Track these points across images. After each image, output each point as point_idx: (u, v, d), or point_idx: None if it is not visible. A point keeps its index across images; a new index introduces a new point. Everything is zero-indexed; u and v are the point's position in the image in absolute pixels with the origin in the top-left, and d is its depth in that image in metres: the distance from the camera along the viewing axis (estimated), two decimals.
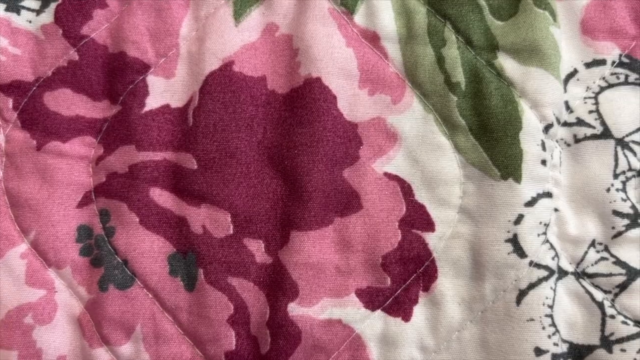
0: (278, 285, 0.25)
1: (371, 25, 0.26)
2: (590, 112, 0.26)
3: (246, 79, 0.26)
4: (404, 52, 0.26)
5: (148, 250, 0.26)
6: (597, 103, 0.26)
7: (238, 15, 0.27)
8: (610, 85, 0.26)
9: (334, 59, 0.26)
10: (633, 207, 0.25)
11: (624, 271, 0.25)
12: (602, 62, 0.26)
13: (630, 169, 0.25)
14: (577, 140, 0.26)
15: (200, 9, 0.27)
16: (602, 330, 0.25)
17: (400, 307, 0.25)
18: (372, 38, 0.26)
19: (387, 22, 0.26)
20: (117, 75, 0.26)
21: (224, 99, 0.26)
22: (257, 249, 0.26)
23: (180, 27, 0.27)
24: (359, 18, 0.26)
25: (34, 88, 0.26)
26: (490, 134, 0.25)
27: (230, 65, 0.26)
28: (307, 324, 0.25)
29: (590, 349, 0.25)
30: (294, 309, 0.25)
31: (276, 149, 0.26)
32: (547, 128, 0.25)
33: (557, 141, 0.26)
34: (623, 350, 0.24)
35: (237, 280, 0.25)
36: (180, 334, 0.26)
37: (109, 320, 0.25)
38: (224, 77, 0.26)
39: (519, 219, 0.24)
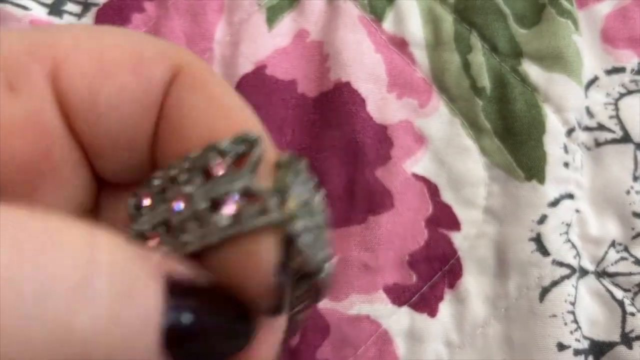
0: None
1: (399, 32, 0.27)
2: (611, 117, 0.27)
3: (277, 82, 0.27)
4: (431, 58, 0.27)
5: None
6: (617, 109, 0.27)
7: (271, 21, 0.28)
8: (630, 92, 0.27)
9: (363, 64, 0.27)
10: None
11: None
12: (621, 70, 0.27)
13: None
14: (598, 144, 0.27)
15: (233, 14, 0.28)
16: (623, 328, 0.25)
17: (427, 304, 0.26)
18: (400, 44, 0.27)
19: (415, 29, 0.27)
20: None
21: (257, 101, 0.27)
22: None
23: (215, 31, 0.28)
24: (387, 25, 0.27)
25: None
26: (514, 137, 0.26)
27: (262, 68, 0.27)
28: (336, 318, 0.26)
29: (610, 345, 0.25)
30: (324, 302, 0.26)
31: (305, 151, 0.27)
32: (570, 132, 0.26)
33: (578, 145, 0.26)
34: None
35: None
36: None
37: None
38: (257, 79, 0.27)
39: (542, 219, 0.25)
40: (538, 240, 0.25)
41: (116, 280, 0.10)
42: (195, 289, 0.11)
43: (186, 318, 0.11)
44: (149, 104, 0.13)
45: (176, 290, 0.11)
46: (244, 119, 0.13)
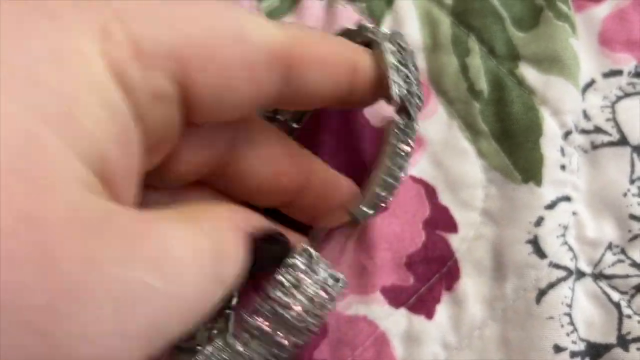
0: None
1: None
2: (608, 120, 0.27)
3: None
4: (429, 60, 0.27)
5: None
6: (614, 112, 0.27)
7: None
8: (627, 95, 0.27)
9: None
10: None
11: (639, 273, 0.26)
12: (618, 73, 0.27)
13: None
14: (594, 147, 0.27)
15: None
16: (619, 330, 0.25)
17: (424, 305, 0.26)
18: None
19: (413, 32, 0.27)
20: None
21: None
22: None
23: None
24: (386, 28, 0.27)
25: None
26: (511, 139, 0.26)
27: None
28: (334, 318, 0.26)
29: (607, 347, 0.25)
30: None
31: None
32: (567, 135, 0.26)
33: (575, 147, 0.27)
34: (639, 349, 0.25)
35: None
36: None
37: None
38: None
39: (539, 221, 0.25)
40: (535, 242, 0.25)
41: (231, 268, 0.17)
42: (263, 235, 0.18)
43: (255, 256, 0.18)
44: (262, 95, 0.17)
45: (252, 242, 0.18)
46: None
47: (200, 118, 0.16)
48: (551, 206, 0.25)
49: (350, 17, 0.27)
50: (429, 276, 0.26)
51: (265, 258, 0.18)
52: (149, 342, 0.13)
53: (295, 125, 0.27)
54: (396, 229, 0.26)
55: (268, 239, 0.19)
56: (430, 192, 0.27)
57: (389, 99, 0.20)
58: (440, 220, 0.26)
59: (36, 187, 0.11)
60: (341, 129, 0.27)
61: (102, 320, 0.12)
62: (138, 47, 0.14)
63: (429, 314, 0.26)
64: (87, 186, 0.13)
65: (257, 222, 0.19)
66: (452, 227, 0.26)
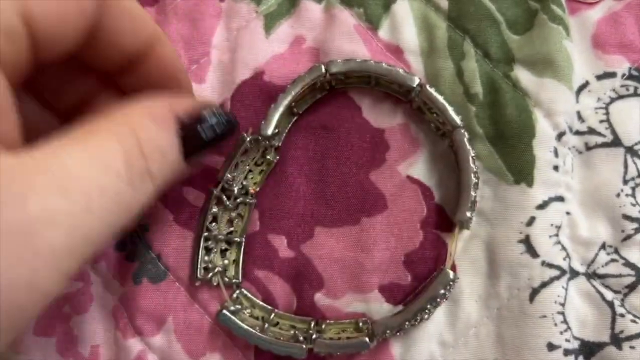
0: (304, 276, 0.27)
1: (395, 39, 0.28)
2: (601, 121, 0.27)
3: (275, 88, 0.28)
4: (426, 64, 0.28)
5: (181, 245, 0.27)
6: (607, 113, 0.27)
7: (268, 27, 0.28)
8: (620, 97, 0.27)
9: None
10: None
11: (633, 272, 0.26)
12: (612, 75, 0.27)
13: (639, 176, 0.26)
14: (588, 148, 0.27)
15: (232, 21, 0.29)
16: (612, 328, 0.26)
17: None
18: (396, 51, 0.28)
19: (410, 37, 0.28)
20: None
21: (255, 107, 0.28)
22: (280, 244, 0.27)
23: (213, 36, 0.29)
24: (383, 33, 0.28)
25: None
26: (505, 141, 0.26)
27: (260, 74, 0.28)
28: (333, 314, 0.27)
29: (600, 346, 0.26)
30: (321, 299, 0.27)
31: (301, 151, 0.28)
32: (560, 136, 0.26)
33: (569, 148, 0.27)
34: (632, 347, 0.25)
35: (263, 272, 0.27)
36: (210, 323, 0.27)
37: (142, 311, 0.27)
38: (255, 86, 0.28)
39: (530, 221, 0.25)
40: (527, 242, 0.25)
41: (156, 156, 0.18)
42: (194, 116, 0.21)
43: (190, 139, 0.20)
44: (86, 27, 0.19)
45: (183, 126, 0.20)
46: (153, 26, 0.22)
47: (44, 52, 0.18)
48: (542, 206, 0.25)
49: (347, 21, 0.28)
50: (427, 274, 0.27)
51: (208, 133, 0.21)
52: (75, 252, 0.15)
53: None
54: (394, 228, 0.27)
55: (196, 116, 0.21)
56: (426, 192, 0.27)
57: None
58: (437, 220, 0.27)
59: None
60: (340, 129, 0.28)
61: (13, 251, 0.14)
62: None
63: None
64: None
65: (178, 103, 0.21)
66: (448, 226, 0.27)
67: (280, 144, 0.27)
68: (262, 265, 0.27)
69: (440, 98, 0.26)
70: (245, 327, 0.25)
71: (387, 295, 0.26)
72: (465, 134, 0.25)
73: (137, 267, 0.27)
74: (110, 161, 0.17)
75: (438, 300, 0.25)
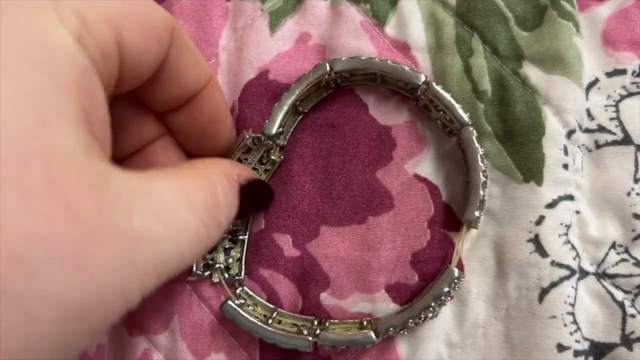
0: (309, 276, 0.26)
1: (402, 36, 0.27)
2: (611, 119, 0.27)
3: (280, 87, 0.27)
4: (434, 61, 0.27)
5: None
6: (617, 111, 0.27)
7: (273, 25, 0.28)
8: (631, 94, 0.27)
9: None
10: None
11: None
12: (622, 72, 0.27)
13: None
14: (598, 146, 0.27)
15: (238, 20, 0.28)
16: (623, 329, 0.25)
17: None
18: (403, 48, 0.27)
19: (417, 33, 0.27)
20: None
21: (260, 107, 0.28)
22: (285, 243, 0.27)
23: (220, 37, 0.28)
24: (390, 29, 0.28)
25: None
26: (514, 139, 0.26)
27: (265, 73, 0.28)
28: (339, 314, 0.26)
29: (611, 347, 0.25)
30: (327, 299, 0.26)
31: (306, 149, 0.27)
32: (570, 134, 0.26)
33: (579, 147, 0.27)
34: None
35: (268, 271, 0.27)
36: (216, 323, 0.27)
37: (150, 309, 0.27)
38: (260, 85, 0.28)
39: (540, 220, 0.25)
40: (536, 241, 0.25)
41: (226, 209, 0.21)
42: (251, 185, 0.23)
43: (244, 202, 0.23)
44: (160, 58, 0.21)
45: (242, 190, 0.22)
46: (208, 66, 0.25)
47: (128, 77, 0.20)
48: (552, 205, 0.25)
49: (354, 17, 0.28)
50: (434, 274, 0.26)
51: (255, 201, 0.25)
52: (156, 273, 0.17)
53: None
54: (401, 227, 0.26)
55: (254, 184, 0.24)
56: (433, 191, 0.27)
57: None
58: (444, 219, 0.27)
59: (53, 158, 0.15)
60: (347, 126, 0.27)
61: (118, 256, 0.15)
62: (82, 17, 0.17)
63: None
64: (87, 149, 0.16)
65: (242, 170, 0.24)
66: (456, 225, 0.26)
67: (285, 143, 0.27)
68: (267, 265, 0.27)
69: (447, 96, 0.25)
70: (251, 319, 0.25)
71: (394, 295, 0.26)
72: (474, 132, 0.25)
73: None
74: (196, 203, 0.19)
75: (443, 298, 0.25)
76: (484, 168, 0.25)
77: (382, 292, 0.26)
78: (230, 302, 0.26)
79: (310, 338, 0.25)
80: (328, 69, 0.26)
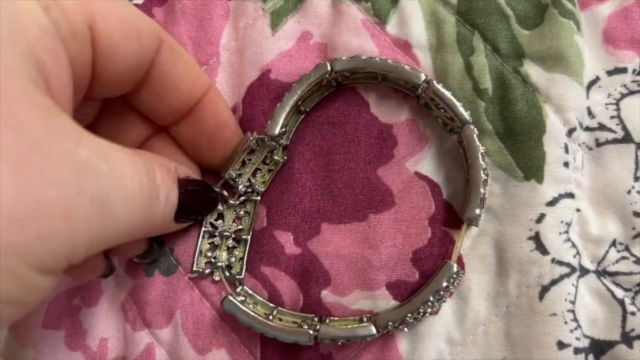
0: (310, 273, 0.27)
1: (403, 34, 0.28)
2: (612, 117, 0.27)
3: (282, 86, 0.28)
4: (435, 59, 0.27)
5: (193, 241, 0.27)
6: (618, 109, 0.27)
7: (275, 24, 0.28)
8: (631, 92, 0.27)
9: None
10: None
11: None
12: (623, 70, 0.27)
13: None
14: (599, 144, 0.27)
15: (239, 19, 0.29)
16: (623, 327, 0.25)
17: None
18: (404, 46, 0.28)
19: (418, 32, 0.27)
20: None
21: (263, 107, 0.28)
22: (286, 240, 0.27)
23: (221, 36, 0.29)
24: (391, 28, 0.28)
25: None
26: (515, 137, 0.26)
27: (267, 73, 0.28)
28: (340, 312, 0.26)
29: (611, 344, 0.25)
30: (328, 296, 0.26)
31: (307, 147, 0.28)
32: (570, 132, 0.26)
33: (579, 145, 0.27)
34: None
35: (269, 269, 0.27)
36: (218, 319, 0.27)
37: (152, 304, 0.27)
38: (262, 86, 0.28)
39: (540, 218, 0.25)
40: (537, 239, 0.25)
41: (165, 192, 0.21)
42: (189, 180, 0.24)
43: (185, 197, 0.23)
44: (142, 59, 0.22)
45: (181, 183, 0.23)
46: (205, 75, 0.26)
47: (106, 65, 0.21)
48: (553, 203, 0.25)
49: (355, 16, 0.28)
50: (434, 272, 0.26)
51: (196, 200, 0.25)
52: (101, 211, 0.17)
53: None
54: (401, 225, 0.27)
55: (198, 187, 0.25)
56: (434, 188, 0.27)
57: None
58: (445, 217, 0.27)
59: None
60: (347, 124, 0.28)
61: (61, 175, 0.16)
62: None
63: (434, 310, 0.26)
64: (37, 85, 0.16)
65: (182, 168, 0.24)
66: (457, 223, 0.26)
67: (288, 143, 0.27)
68: (269, 262, 0.27)
69: (448, 94, 0.25)
70: (251, 314, 0.25)
71: (395, 293, 0.26)
72: (475, 130, 0.25)
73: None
74: (138, 165, 0.19)
75: (442, 293, 0.25)
76: (484, 166, 0.25)
77: (383, 289, 0.26)
78: (230, 297, 0.26)
79: (311, 332, 0.25)
80: (329, 68, 0.26)
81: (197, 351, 0.27)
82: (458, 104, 0.25)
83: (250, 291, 0.27)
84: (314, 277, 0.26)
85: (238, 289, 0.27)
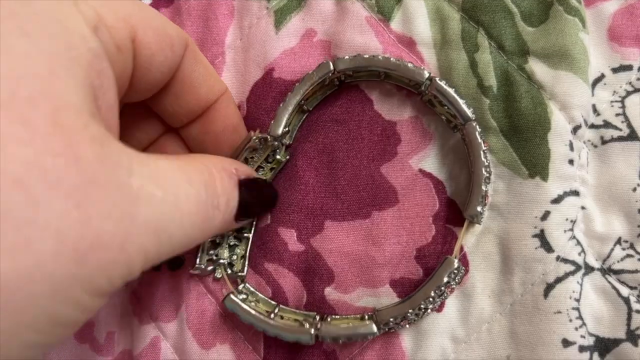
0: (314, 270, 0.27)
1: (407, 31, 0.28)
2: (617, 115, 0.27)
3: (285, 84, 0.28)
4: (439, 56, 0.27)
5: None
6: (623, 106, 0.27)
7: (279, 23, 0.28)
8: (637, 90, 0.27)
9: None
10: None
11: None
12: (628, 68, 0.27)
13: None
14: (604, 141, 0.27)
15: (243, 19, 0.29)
16: (628, 325, 0.25)
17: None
18: (409, 43, 0.27)
19: (423, 29, 0.27)
20: None
21: (266, 105, 0.28)
22: (289, 237, 0.27)
23: (226, 36, 0.29)
24: (395, 25, 0.28)
25: None
26: (520, 134, 0.26)
27: (270, 72, 0.28)
28: (343, 309, 0.26)
29: (616, 342, 0.25)
30: (331, 293, 0.26)
31: (310, 144, 0.28)
32: (576, 129, 0.26)
33: (584, 142, 0.27)
34: None
35: (273, 265, 0.27)
36: (222, 315, 0.27)
37: (159, 297, 0.27)
38: (266, 85, 0.28)
39: (545, 215, 0.25)
40: (542, 236, 0.25)
41: (224, 200, 0.21)
42: (250, 180, 0.24)
43: (246, 198, 0.23)
44: (173, 66, 0.23)
45: (242, 185, 0.23)
46: (221, 80, 0.26)
47: (143, 74, 0.21)
48: (557, 200, 0.25)
49: (359, 13, 0.28)
50: None
51: (257, 198, 0.24)
52: (157, 236, 0.17)
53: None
54: (405, 223, 0.27)
55: (255, 183, 0.24)
56: (438, 186, 0.27)
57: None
58: (449, 214, 0.27)
59: (60, 104, 0.15)
60: (350, 121, 0.27)
61: (117, 208, 0.16)
62: (99, 15, 0.19)
63: (439, 307, 0.26)
64: (92, 113, 0.17)
65: (242, 167, 0.24)
66: (460, 220, 0.26)
67: (291, 142, 0.27)
68: (272, 259, 0.27)
69: (451, 91, 0.25)
70: (253, 312, 0.25)
71: (399, 290, 0.26)
72: (477, 127, 0.25)
73: None
74: (194, 180, 0.20)
75: (443, 288, 0.25)
76: (487, 163, 0.25)
77: (387, 286, 0.26)
78: (232, 296, 0.26)
79: (312, 331, 0.25)
80: (331, 68, 0.26)
81: (201, 346, 0.27)
82: (461, 101, 0.25)
83: (252, 288, 0.27)
84: (318, 274, 0.26)
85: (240, 287, 0.27)
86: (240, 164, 0.25)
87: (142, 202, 0.17)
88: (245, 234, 0.27)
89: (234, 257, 0.27)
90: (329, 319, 0.25)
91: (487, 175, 0.25)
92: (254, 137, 0.26)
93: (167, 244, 0.18)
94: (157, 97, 0.24)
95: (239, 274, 0.27)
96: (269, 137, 0.26)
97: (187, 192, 0.19)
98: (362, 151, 0.27)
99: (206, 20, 0.29)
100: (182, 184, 0.19)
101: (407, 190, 0.27)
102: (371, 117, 0.27)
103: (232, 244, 0.27)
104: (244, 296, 0.26)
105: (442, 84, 0.25)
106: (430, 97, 0.26)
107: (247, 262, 0.27)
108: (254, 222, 0.27)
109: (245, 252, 0.27)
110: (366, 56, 0.26)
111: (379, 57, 0.26)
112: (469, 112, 0.25)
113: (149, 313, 0.27)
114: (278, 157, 0.27)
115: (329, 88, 0.27)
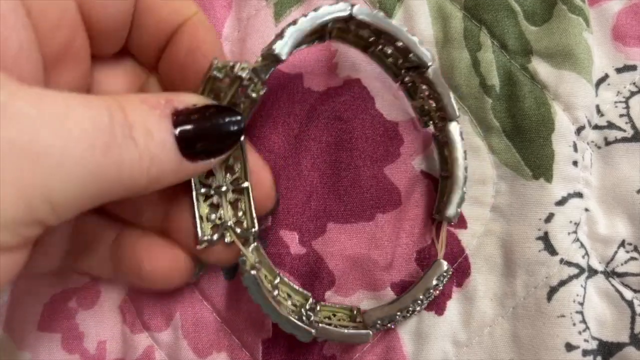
0: (315, 273, 0.26)
1: (409, 29, 0.27)
2: (621, 115, 0.26)
3: (283, 76, 0.27)
4: (441, 55, 0.27)
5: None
6: (627, 107, 0.26)
7: (278, 15, 0.28)
8: None
9: (372, 63, 0.26)
10: None
11: None
12: (632, 68, 0.27)
13: None
14: (607, 142, 0.26)
15: (242, 10, 0.28)
16: (632, 328, 0.25)
17: (434, 302, 0.26)
18: None
19: (425, 27, 0.27)
20: None
21: (264, 96, 0.27)
22: (291, 240, 0.26)
23: (223, 27, 0.28)
24: (396, 22, 0.27)
25: None
26: (523, 135, 0.25)
27: None
28: None
29: (619, 346, 0.25)
30: (332, 297, 0.26)
31: (314, 142, 0.27)
32: (579, 130, 0.25)
33: (588, 143, 0.26)
34: None
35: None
36: (218, 321, 0.26)
37: (151, 306, 0.26)
38: None
39: (549, 218, 0.25)
40: (545, 239, 0.25)
41: (142, 129, 0.18)
42: (194, 109, 0.20)
43: (187, 128, 0.19)
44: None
45: (180, 115, 0.19)
46: (191, 3, 0.23)
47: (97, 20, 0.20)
48: (562, 202, 0.25)
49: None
50: None
51: (202, 129, 0.20)
52: (32, 162, 0.15)
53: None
54: (406, 225, 0.26)
55: (198, 112, 0.20)
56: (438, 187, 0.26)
57: None
58: None
59: None
60: (354, 121, 0.27)
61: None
62: None
63: (440, 310, 0.26)
64: None
65: (185, 97, 0.20)
66: (462, 223, 0.26)
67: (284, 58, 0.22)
68: (274, 262, 0.26)
69: (444, 84, 0.25)
70: (266, 294, 0.23)
71: (399, 293, 0.26)
72: (460, 127, 0.25)
73: None
74: (95, 105, 0.17)
75: (431, 291, 0.24)
76: (466, 165, 0.25)
77: (388, 289, 0.26)
78: (253, 273, 0.22)
79: (313, 332, 0.24)
80: (347, 13, 0.22)
81: (197, 354, 0.26)
82: (452, 96, 0.25)
83: (261, 249, 0.24)
84: (319, 278, 0.26)
85: (251, 247, 0.24)
86: (178, 95, 0.20)
87: (13, 121, 0.15)
88: (243, 185, 0.23)
89: (240, 213, 0.24)
90: (319, 307, 0.25)
91: (466, 175, 0.25)
92: (215, 65, 0.21)
93: (64, 174, 0.16)
94: (130, 39, 0.22)
95: (252, 230, 0.23)
96: (235, 65, 0.21)
97: (80, 114, 0.16)
98: (366, 151, 0.26)
99: (203, 11, 0.28)
100: (73, 104, 0.16)
101: (409, 192, 0.26)
102: (373, 117, 0.27)
103: (232, 200, 0.24)
104: (258, 264, 0.23)
105: (439, 74, 0.24)
106: (410, 85, 0.25)
107: (254, 215, 0.24)
108: (247, 168, 0.23)
109: (249, 204, 0.24)
110: (383, 16, 0.23)
111: (395, 24, 0.24)
112: (457, 110, 0.25)
113: (141, 322, 0.26)
114: (253, 94, 0.22)
115: (318, 37, 0.24)
